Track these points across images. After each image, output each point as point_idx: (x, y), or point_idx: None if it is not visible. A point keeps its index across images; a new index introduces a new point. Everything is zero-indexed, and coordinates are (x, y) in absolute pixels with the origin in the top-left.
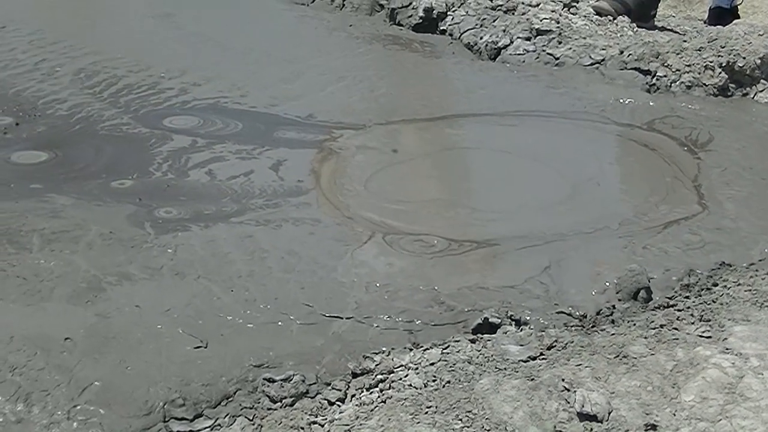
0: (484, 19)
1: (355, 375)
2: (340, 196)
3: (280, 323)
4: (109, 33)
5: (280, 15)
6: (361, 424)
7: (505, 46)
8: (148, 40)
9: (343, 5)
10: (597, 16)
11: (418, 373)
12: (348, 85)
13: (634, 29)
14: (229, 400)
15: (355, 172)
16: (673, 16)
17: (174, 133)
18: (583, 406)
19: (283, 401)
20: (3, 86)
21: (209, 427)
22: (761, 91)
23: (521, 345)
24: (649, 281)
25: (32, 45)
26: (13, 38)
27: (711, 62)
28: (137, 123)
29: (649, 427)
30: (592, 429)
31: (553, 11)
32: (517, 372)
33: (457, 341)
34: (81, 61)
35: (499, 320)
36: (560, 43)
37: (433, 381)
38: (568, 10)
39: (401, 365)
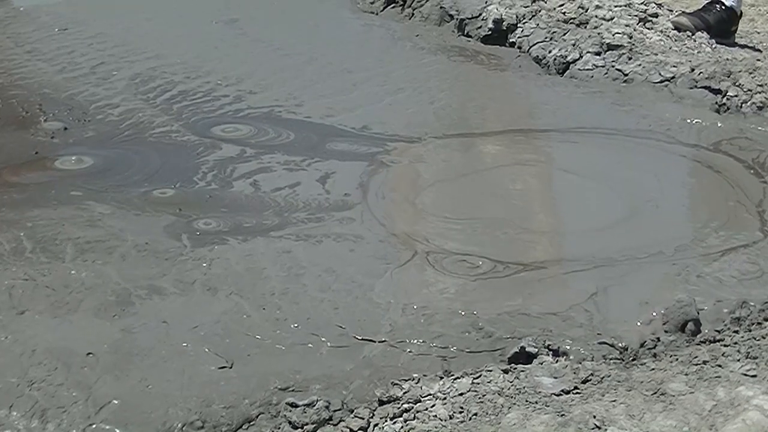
0: (555, 32)
1: (381, 402)
2: (387, 212)
3: (310, 345)
4: (172, 38)
5: (346, 23)
6: None
7: (574, 61)
8: (210, 46)
9: (413, 15)
10: (675, 32)
11: (445, 404)
12: (407, 96)
13: (713, 46)
14: (251, 424)
15: (405, 186)
16: (758, 32)
17: (223, 141)
18: None
19: (305, 428)
20: (57, 90)
21: None
22: None
23: (555, 377)
24: (698, 313)
25: (92, 48)
26: (73, 41)
27: None
28: (187, 131)
29: None
30: None
31: (627, 25)
32: (548, 406)
33: (490, 371)
34: (139, 66)
35: (536, 349)
36: (630, 58)
37: (460, 413)
38: (644, 24)
39: (429, 394)
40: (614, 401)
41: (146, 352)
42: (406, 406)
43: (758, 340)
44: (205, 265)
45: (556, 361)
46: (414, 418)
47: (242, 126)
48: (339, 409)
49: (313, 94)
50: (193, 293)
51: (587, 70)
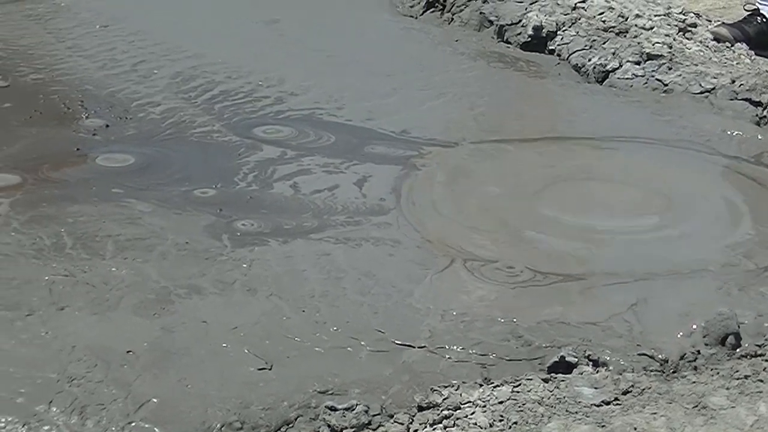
0: (595, 40)
1: (420, 408)
2: (422, 217)
3: (349, 348)
4: (212, 37)
5: (386, 27)
6: None
7: (614, 70)
8: (251, 46)
9: (452, 20)
10: (714, 42)
11: (485, 411)
12: (447, 101)
13: (752, 57)
14: (289, 426)
15: (440, 192)
16: None
17: (264, 143)
18: None
19: (344, 431)
20: (98, 86)
21: None
22: None
23: (596, 388)
24: (738, 326)
25: (132, 45)
26: (114, 37)
27: None
28: (228, 131)
29: None
30: None
31: (666, 35)
32: (588, 417)
33: (530, 379)
34: (180, 65)
35: (576, 359)
36: (670, 69)
37: (500, 421)
38: (683, 34)
39: (469, 401)
40: (655, 413)
41: (185, 352)
42: (445, 412)
43: None
44: (245, 265)
45: (597, 372)
46: (453, 425)
47: (283, 127)
48: (378, 414)
49: (353, 96)
50: (233, 294)
51: (627, 79)
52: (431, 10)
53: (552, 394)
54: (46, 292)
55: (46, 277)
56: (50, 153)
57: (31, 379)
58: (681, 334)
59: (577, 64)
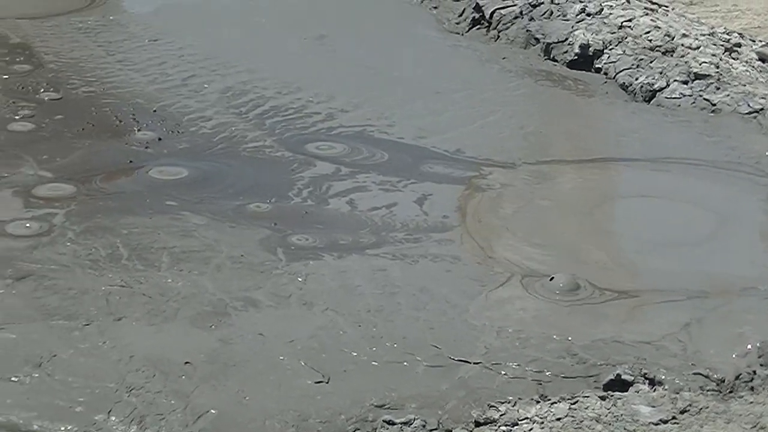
0: (641, 59)
1: (477, 424)
2: (484, 235)
3: (405, 363)
4: (262, 52)
5: (433, 43)
6: None
7: (661, 89)
8: (300, 62)
9: (498, 37)
10: (760, 62)
11: (542, 428)
12: (497, 120)
13: None
14: None
15: (502, 211)
16: None
17: (317, 159)
18: None
19: None
20: (149, 100)
21: None
22: None
23: (653, 406)
24: None
25: (182, 60)
26: (164, 52)
27: None
28: (280, 146)
29: None
30: None
31: (713, 55)
32: None
33: (587, 397)
34: (230, 80)
35: (633, 378)
36: (718, 89)
37: None
38: (729, 54)
39: (526, 418)
40: None
41: (243, 364)
42: (503, 428)
43: None
44: (300, 279)
45: (653, 390)
46: None
47: (336, 144)
48: (435, 429)
49: (404, 114)
50: (289, 307)
51: (674, 98)
52: (477, 27)
53: (609, 412)
54: (103, 302)
55: (103, 288)
56: (103, 165)
57: (90, 388)
58: (736, 354)
59: (624, 83)
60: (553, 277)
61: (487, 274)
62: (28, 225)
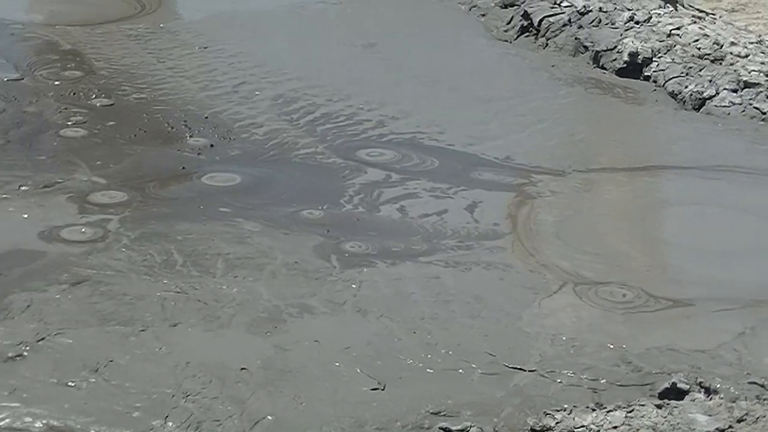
0: (690, 67)
1: (533, 431)
2: (535, 243)
3: (460, 370)
4: (312, 60)
5: (482, 51)
6: None
7: (710, 97)
8: (350, 70)
9: (547, 44)
10: None
11: None
12: (547, 128)
13: None
14: None
15: (553, 219)
16: None
17: (368, 166)
18: None
19: None
20: (201, 107)
21: None
22: None
23: (710, 415)
24: None
25: (233, 67)
26: (214, 59)
27: None
28: (332, 153)
29: None
30: None
31: (762, 63)
32: None
33: (643, 405)
34: (281, 87)
35: (688, 386)
36: None
37: None
38: None
39: (582, 425)
40: None
41: (299, 370)
42: None
43: None
44: (354, 286)
45: (709, 399)
46: None
47: (386, 151)
48: None
49: (454, 121)
50: (344, 314)
51: (724, 107)
52: (525, 34)
53: (666, 420)
54: (158, 308)
55: (158, 294)
56: (156, 171)
57: (147, 394)
58: None
59: (673, 91)
60: None
61: (540, 282)
62: (83, 230)
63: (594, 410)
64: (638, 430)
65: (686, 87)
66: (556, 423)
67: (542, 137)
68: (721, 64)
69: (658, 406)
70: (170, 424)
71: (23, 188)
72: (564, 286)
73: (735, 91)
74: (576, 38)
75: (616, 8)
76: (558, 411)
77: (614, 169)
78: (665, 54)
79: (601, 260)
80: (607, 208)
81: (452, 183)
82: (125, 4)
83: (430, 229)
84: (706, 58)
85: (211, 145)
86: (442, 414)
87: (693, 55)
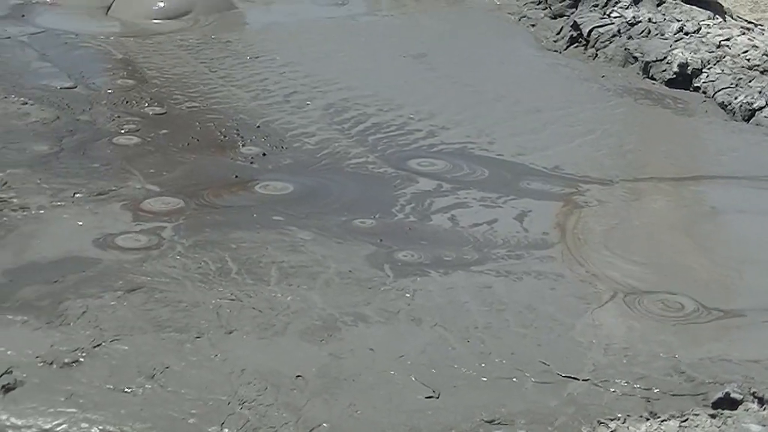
0: (740, 78)
1: None
2: (584, 252)
3: (514, 379)
4: (362, 70)
5: (531, 61)
6: None
7: (760, 108)
8: (400, 80)
9: (596, 55)
10: None
11: None
12: (596, 138)
13: None
14: None
15: (601, 228)
16: None
17: (419, 175)
18: None
19: None
20: (252, 116)
21: None
22: None
23: (763, 425)
24: None
25: (284, 77)
26: (265, 69)
27: None
28: (383, 163)
29: None
30: None
31: None
32: None
33: (696, 415)
34: (331, 96)
35: (741, 396)
36: None
37: None
38: None
39: None
40: None
41: (354, 378)
42: None
43: None
44: (408, 295)
45: (763, 409)
46: None
47: (437, 161)
48: None
49: (504, 131)
50: (398, 323)
51: None
52: (575, 45)
53: (719, 430)
54: (213, 315)
55: (213, 301)
56: (210, 179)
57: (203, 400)
58: None
59: (723, 102)
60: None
61: (590, 291)
62: (137, 238)
63: (648, 420)
64: None
65: (736, 98)
66: None
67: (591, 147)
68: None
69: (712, 416)
70: (226, 430)
71: (77, 195)
72: (615, 296)
73: None
74: (626, 49)
75: (665, 19)
76: (612, 420)
77: (662, 179)
78: (715, 65)
79: (649, 270)
80: (655, 218)
81: (502, 192)
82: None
83: (480, 238)
84: (755, 69)
85: (264, 154)
86: (496, 422)
87: (742, 66)
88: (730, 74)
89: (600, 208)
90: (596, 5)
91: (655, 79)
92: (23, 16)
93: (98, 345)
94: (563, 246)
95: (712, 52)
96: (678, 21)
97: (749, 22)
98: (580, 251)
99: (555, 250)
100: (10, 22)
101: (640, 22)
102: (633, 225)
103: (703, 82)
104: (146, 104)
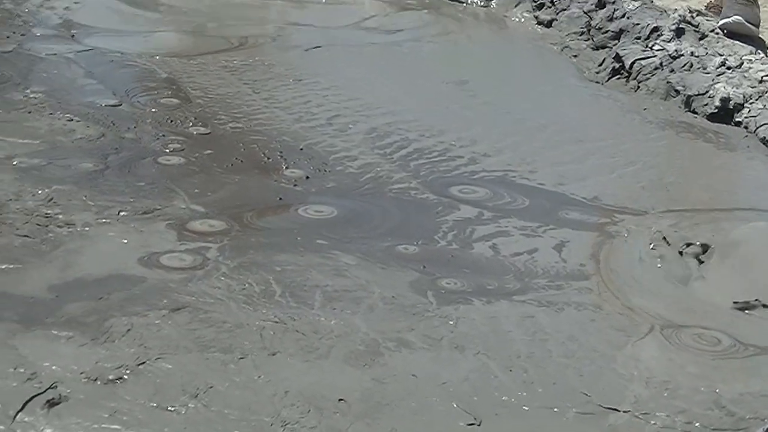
0: None
1: None
2: (621, 285)
3: (555, 409)
4: (404, 95)
5: (574, 91)
6: None
7: None
8: (442, 106)
9: (638, 87)
10: None
11: None
12: (637, 170)
13: None
14: None
15: (636, 260)
16: None
17: (461, 202)
18: None
19: None
20: (295, 138)
21: None
22: None
23: None
24: None
25: (327, 100)
26: (308, 91)
27: None
28: (425, 189)
29: None
30: None
31: None
32: None
33: None
34: (374, 121)
35: None
36: None
37: None
38: None
39: None
40: None
41: (396, 403)
42: None
43: None
44: (451, 323)
45: None
46: None
47: (478, 188)
48: None
49: (545, 160)
50: (441, 349)
51: None
52: (617, 76)
53: None
54: (257, 337)
55: (257, 323)
56: (254, 201)
57: (246, 421)
58: None
59: (764, 138)
60: None
61: (630, 324)
62: (182, 258)
63: None
64: None
65: None
66: None
67: (631, 179)
68: None
69: None
70: None
71: (123, 213)
72: (653, 329)
73: None
74: (668, 82)
75: (707, 53)
76: None
77: (699, 211)
78: (757, 100)
79: (685, 304)
80: (692, 251)
81: (542, 222)
82: (223, 40)
83: (521, 267)
84: None
85: (307, 177)
86: None
87: None
88: None
89: (636, 240)
90: (639, 38)
91: (696, 113)
92: (73, 36)
93: (143, 363)
94: (599, 278)
95: (754, 87)
96: (720, 55)
97: None
98: (614, 283)
99: (592, 281)
100: (58, 41)
101: (683, 55)
102: (667, 258)
103: (745, 117)
104: (191, 124)
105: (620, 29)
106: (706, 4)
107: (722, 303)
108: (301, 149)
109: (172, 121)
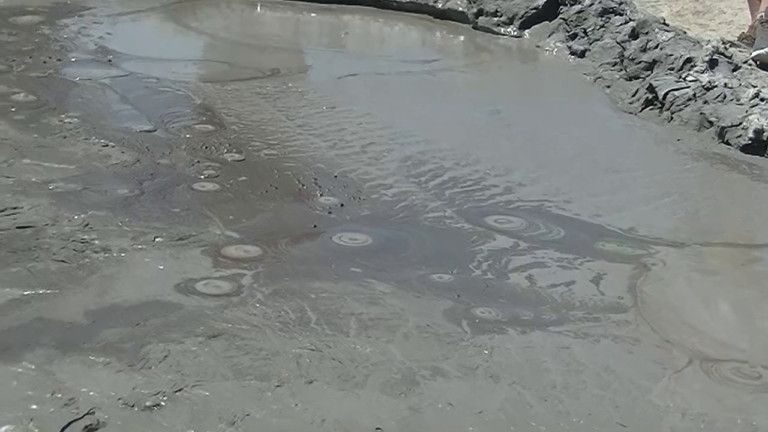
0: None
1: None
2: (657, 318)
3: None
4: (438, 124)
5: (607, 122)
6: None
7: None
8: (476, 135)
9: (671, 118)
10: None
11: None
12: (673, 201)
13: None
14: None
15: (673, 293)
16: None
17: (496, 232)
18: None
19: None
20: (330, 165)
21: None
22: None
23: None
24: None
25: (361, 127)
26: (342, 119)
27: None
28: (460, 218)
29: None
30: None
31: None
32: None
33: None
34: (409, 149)
35: None
36: None
37: None
38: None
39: None
40: None
41: None
42: None
43: None
44: (486, 352)
45: None
46: None
47: (514, 218)
48: None
49: (581, 191)
50: (476, 379)
51: None
52: (650, 107)
53: None
54: (294, 364)
55: (293, 350)
56: (288, 228)
57: None
58: None
59: None
60: None
61: (667, 356)
62: (218, 284)
63: None
64: None
65: None
66: None
67: (666, 210)
68: None
69: None
70: None
71: (158, 240)
72: (691, 362)
73: None
74: (701, 113)
75: (741, 84)
76: None
77: (734, 245)
78: None
79: (722, 337)
80: (729, 285)
81: (578, 254)
82: (256, 67)
83: (558, 299)
84: None
85: (342, 205)
86: None
87: None
88: None
89: (674, 273)
90: (672, 68)
91: (730, 144)
92: (110, 61)
93: (180, 390)
94: (636, 311)
95: None
96: (753, 87)
97: None
98: (651, 316)
99: (629, 314)
100: (95, 66)
101: (716, 86)
102: (705, 291)
103: None
104: (225, 150)
105: (653, 60)
106: (739, 35)
107: (763, 337)
108: (336, 176)
109: (206, 148)
